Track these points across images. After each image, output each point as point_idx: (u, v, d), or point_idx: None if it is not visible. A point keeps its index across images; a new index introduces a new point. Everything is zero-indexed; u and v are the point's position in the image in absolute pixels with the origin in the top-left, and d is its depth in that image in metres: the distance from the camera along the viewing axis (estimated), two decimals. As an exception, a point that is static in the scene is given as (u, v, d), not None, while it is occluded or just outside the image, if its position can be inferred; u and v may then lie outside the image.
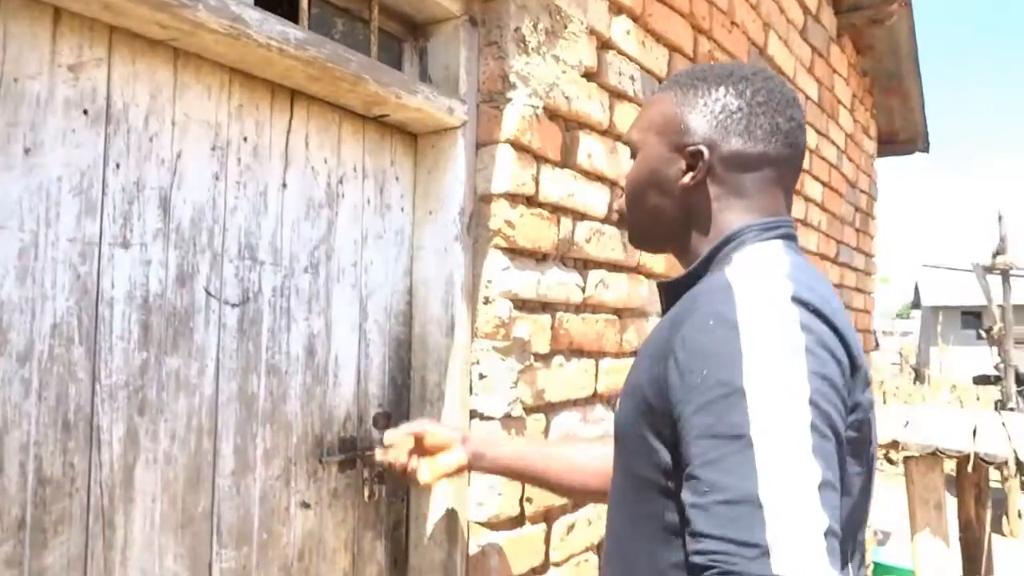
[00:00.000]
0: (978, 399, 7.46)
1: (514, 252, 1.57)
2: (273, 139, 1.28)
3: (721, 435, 0.64)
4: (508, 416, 1.55)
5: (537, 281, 1.62)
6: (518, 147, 1.55)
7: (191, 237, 1.15)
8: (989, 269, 6.20)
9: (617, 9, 1.85)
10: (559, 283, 1.69)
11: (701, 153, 0.86)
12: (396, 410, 1.54)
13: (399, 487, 1.53)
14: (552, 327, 1.68)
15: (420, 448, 1.29)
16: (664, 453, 0.77)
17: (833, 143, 3.53)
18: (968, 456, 2.56)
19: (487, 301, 1.55)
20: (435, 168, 1.55)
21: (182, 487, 1.14)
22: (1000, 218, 6.07)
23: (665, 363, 0.76)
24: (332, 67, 1.24)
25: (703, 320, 0.73)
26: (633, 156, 0.96)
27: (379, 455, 1.31)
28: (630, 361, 1.95)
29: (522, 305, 1.59)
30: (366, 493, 1.45)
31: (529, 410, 1.61)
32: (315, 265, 1.36)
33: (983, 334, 7.39)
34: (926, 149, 4.64)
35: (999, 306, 6.71)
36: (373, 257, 1.48)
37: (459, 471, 1.30)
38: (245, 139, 1.24)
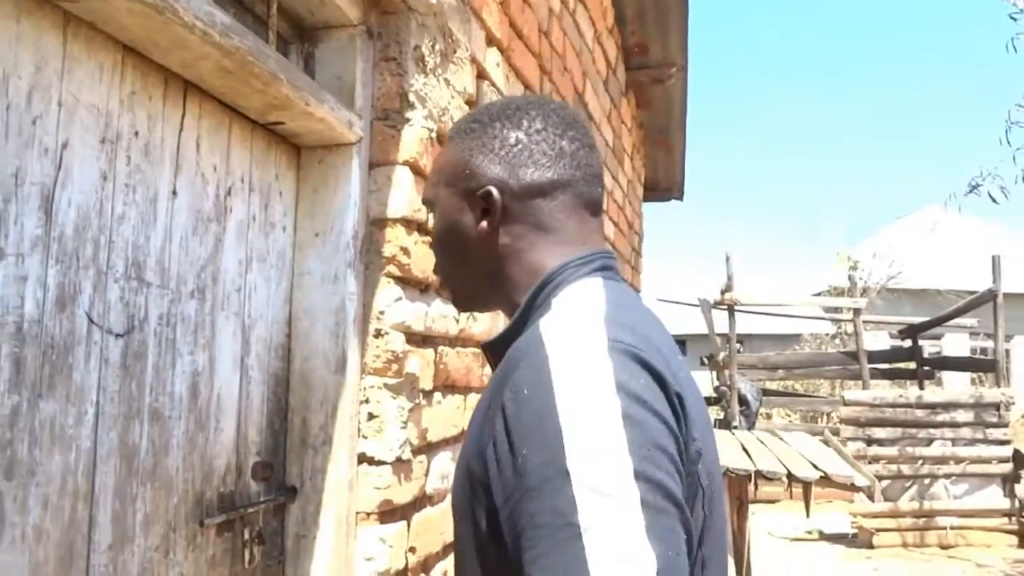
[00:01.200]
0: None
1: (406, 282, 1.47)
2: (165, 137, 1.07)
3: (547, 525, 0.59)
4: (399, 460, 1.42)
5: (424, 313, 1.53)
6: (415, 170, 1.46)
7: (74, 249, 0.91)
8: (717, 304, 7.07)
9: (490, 40, 1.83)
10: (441, 315, 1.61)
11: (490, 193, 0.81)
12: (274, 458, 1.34)
13: (278, 547, 1.33)
14: (435, 362, 1.58)
15: None
16: (488, 530, 0.69)
17: (621, 187, 3.81)
18: (750, 474, 2.85)
19: (378, 334, 1.42)
20: (323, 186, 1.40)
21: (52, 570, 0.88)
22: (728, 259, 6.96)
23: (485, 436, 0.69)
24: (252, 62, 1.07)
25: (519, 387, 0.66)
26: (430, 215, 0.92)
27: None
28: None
29: (411, 339, 1.48)
30: (246, 558, 1.24)
31: (415, 452, 1.49)
32: (202, 289, 1.15)
33: (706, 360, 8.38)
34: (680, 197, 5.20)
35: (719, 335, 7.67)
36: (256, 282, 1.29)
37: None
38: (136, 134, 1.02)
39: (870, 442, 6.38)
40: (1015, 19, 5.12)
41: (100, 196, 0.95)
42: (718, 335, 7.73)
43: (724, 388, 7.26)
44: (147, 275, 1.04)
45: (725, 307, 6.97)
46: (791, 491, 3.29)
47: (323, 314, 1.38)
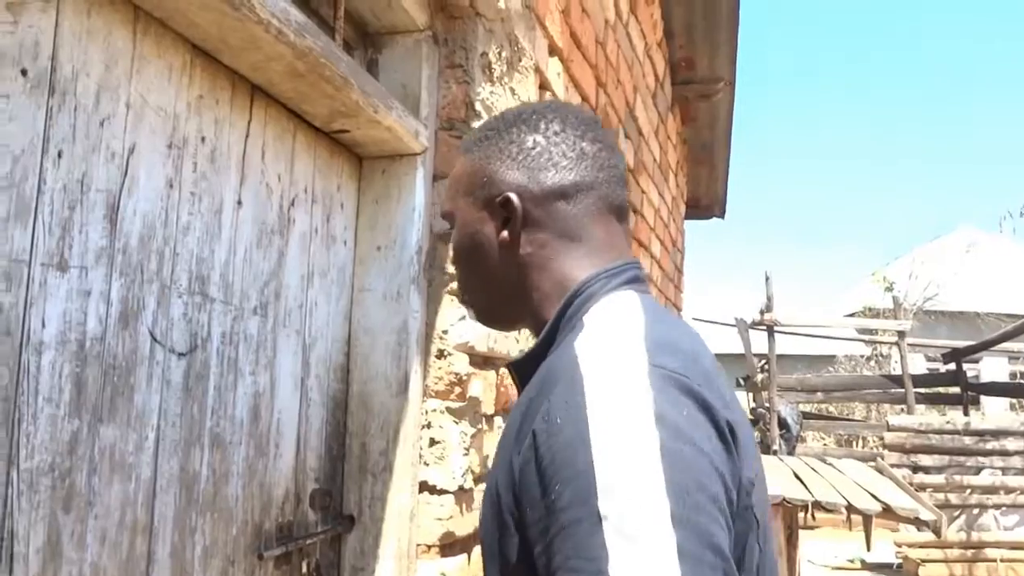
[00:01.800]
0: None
1: (469, 299, 1.39)
2: (232, 143, 1.01)
3: (579, 571, 0.55)
4: (461, 489, 1.34)
5: (487, 333, 1.45)
6: (481, 182, 1.39)
7: (139, 261, 0.85)
8: (756, 324, 6.90)
9: (552, 49, 1.76)
10: (504, 336, 1.53)
11: (510, 200, 0.76)
12: (332, 485, 1.26)
13: (333, 581, 1.25)
14: (496, 384, 1.50)
15: None
16: (520, 563, 0.64)
17: (666, 204, 3.72)
18: (807, 505, 2.72)
19: (441, 355, 1.34)
20: (385, 198, 1.33)
21: (109, 611, 0.81)
22: (768, 279, 6.80)
23: (516, 466, 0.64)
24: (324, 64, 1.01)
25: (552, 415, 0.61)
26: (451, 229, 0.86)
27: None
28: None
29: (473, 360, 1.40)
30: (304, 593, 1.16)
31: (476, 480, 1.41)
32: (264, 306, 1.08)
33: (742, 382, 8.19)
34: (722, 215, 5.09)
35: (756, 356, 7.51)
36: (317, 298, 1.22)
37: None
38: (203, 139, 0.95)
39: (915, 469, 6.16)
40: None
41: (166, 205, 0.89)
42: (754, 355, 7.56)
43: (762, 410, 7.08)
44: (211, 290, 0.97)
45: (764, 328, 6.80)
46: (850, 523, 3.14)
47: (384, 333, 1.30)
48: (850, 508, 2.70)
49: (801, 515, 3.46)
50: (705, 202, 4.90)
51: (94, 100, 0.79)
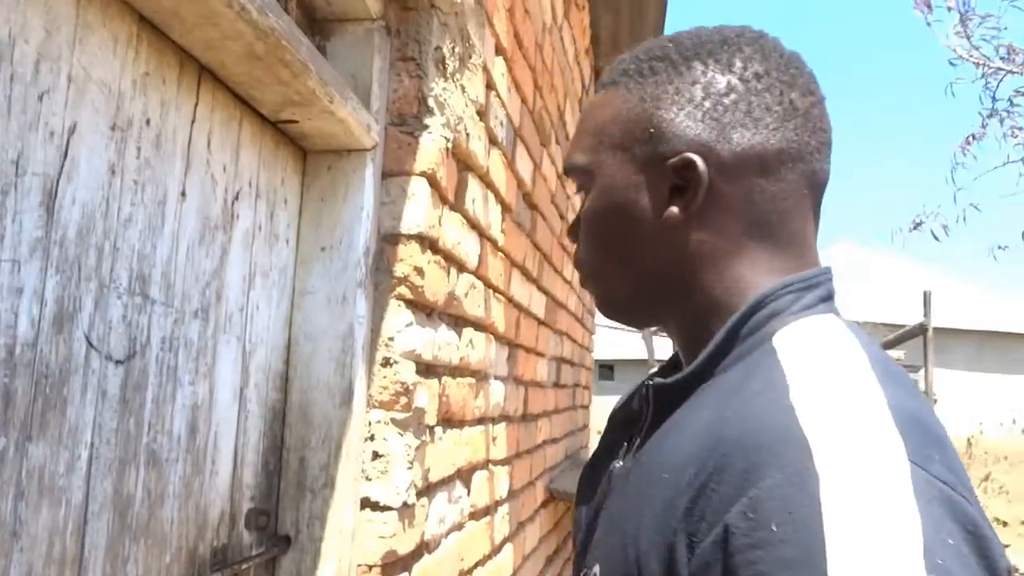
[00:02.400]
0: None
1: (417, 306, 1.32)
2: (177, 128, 0.91)
3: None
4: (404, 505, 1.27)
5: (433, 341, 1.39)
6: (432, 183, 1.33)
7: (77, 256, 0.75)
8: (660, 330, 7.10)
9: (498, 48, 1.72)
10: (447, 343, 1.47)
11: (692, 163, 0.58)
12: (268, 504, 1.17)
13: (267, 606, 1.15)
14: (439, 394, 1.44)
15: None
16: None
17: (584, 215, 3.74)
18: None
19: (387, 363, 1.27)
20: (331, 195, 1.25)
21: (33, 658, 0.70)
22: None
23: (679, 552, 0.49)
24: (285, 47, 0.92)
25: (764, 518, 0.44)
26: (581, 191, 0.67)
27: None
28: (481, 430, 1.77)
29: (418, 369, 1.34)
30: (239, 622, 1.06)
31: (418, 494, 1.34)
32: (206, 308, 0.99)
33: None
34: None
35: (660, 361, 7.74)
36: (259, 301, 1.13)
37: None
38: (148, 122, 0.85)
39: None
40: (954, 64, 5.35)
41: (107, 194, 0.79)
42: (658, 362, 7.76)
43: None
44: (151, 290, 0.87)
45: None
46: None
47: (328, 339, 1.22)
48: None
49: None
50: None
51: (32, 70, 0.68)
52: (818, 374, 0.51)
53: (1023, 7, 5.38)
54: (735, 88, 0.58)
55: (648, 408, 0.63)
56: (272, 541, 1.17)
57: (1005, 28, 5.29)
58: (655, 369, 0.75)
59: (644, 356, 7.62)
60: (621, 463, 0.66)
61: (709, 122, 0.58)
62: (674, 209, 0.59)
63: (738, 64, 0.59)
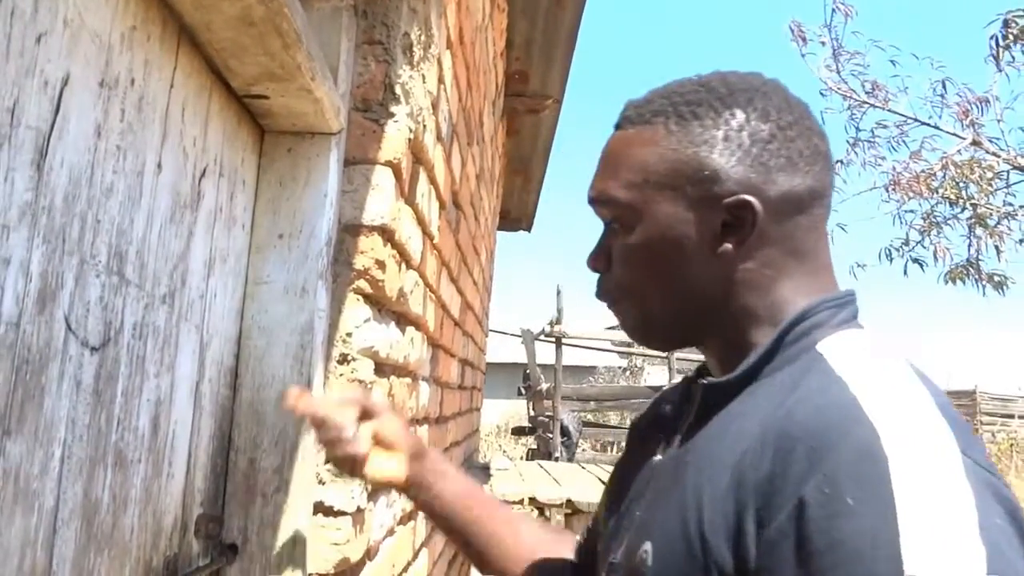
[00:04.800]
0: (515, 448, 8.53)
1: (374, 301, 1.26)
2: (158, 93, 0.82)
3: None
4: (359, 510, 1.21)
5: (388, 339, 1.33)
6: (397, 174, 1.27)
7: (62, 226, 0.65)
8: (548, 336, 7.19)
9: (448, 42, 1.68)
10: (396, 341, 1.41)
11: (749, 205, 0.64)
12: (216, 509, 1.08)
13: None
14: (389, 394, 1.38)
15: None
16: None
17: (486, 213, 3.74)
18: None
19: (344, 360, 1.20)
20: (291, 180, 1.17)
21: None
22: (559, 293, 7.11)
23: (748, 524, 0.54)
24: (285, 15, 0.85)
25: (839, 491, 0.49)
26: (616, 223, 0.71)
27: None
28: (417, 431, 1.71)
29: (376, 367, 1.28)
30: (189, 640, 0.97)
31: (369, 498, 1.28)
32: (172, 293, 0.90)
33: (523, 391, 8.48)
34: (529, 228, 5.23)
35: (539, 366, 7.82)
36: (217, 288, 1.04)
37: (388, 486, 0.96)
38: (132, 82, 0.76)
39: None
40: (824, 95, 5.77)
41: (92, 158, 0.69)
42: (539, 366, 7.88)
43: (543, 419, 7.38)
44: (127, 270, 0.78)
45: (553, 339, 7.11)
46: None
47: (285, 333, 1.14)
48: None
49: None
50: (515, 215, 5.01)
51: (32, 7, 0.59)
52: (870, 374, 0.57)
53: (885, 48, 5.88)
54: (775, 136, 0.65)
55: (693, 406, 0.70)
56: (219, 550, 1.07)
57: (868, 65, 5.78)
58: (677, 381, 0.83)
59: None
60: (661, 456, 0.73)
61: (757, 166, 0.65)
62: (728, 245, 0.65)
63: (773, 113, 0.66)
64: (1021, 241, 5.10)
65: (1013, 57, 4.37)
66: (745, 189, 0.64)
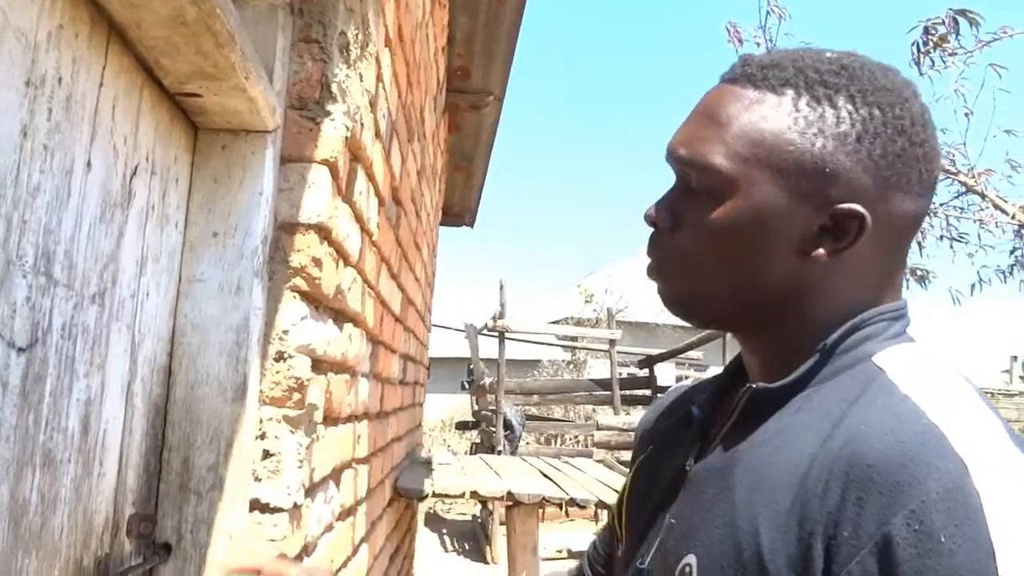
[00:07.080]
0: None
1: (311, 299, 1.27)
2: (86, 92, 0.82)
3: None
4: (295, 506, 1.22)
5: (325, 336, 1.34)
6: (333, 173, 1.28)
7: (-13, 228, 0.65)
8: (491, 330, 7.22)
9: (387, 40, 1.69)
10: (334, 338, 1.42)
11: (860, 216, 0.59)
12: (146, 507, 1.07)
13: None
14: (326, 391, 1.39)
15: None
16: None
17: (428, 209, 3.74)
18: (563, 502, 2.90)
19: (281, 357, 1.21)
20: (226, 177, 1.17)
21: None
22: (502, 287, 7.14)
23: (816, 549, 0.51)
24: (218, 16, 0.85)
25: (932, 529, 0.47)
26: (702, 190, 0.63)
27: None
28: (351, 428, 1.72)
29: (313, 364, 1.28)
30: (122, 639, 0.96)
31: (307, 494, 1.29)
32: (102, 293, 0.89)
33: (467, 385, 8.50)
34: (472, 224, 5.24)
35: (483, 360, 7.85)
36: (149, 287, 1.03)
37: None
38: (60, 81, 0.76)
39: (621, 463, 6.88)
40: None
41: (18, 158, 0.69)
42: (482, 360, 7.90)
43: (487, 413, 7.41)
44: (55, 270, 0.77)
45: (497, 333, 7.14)
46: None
47: (219, 331, 1.14)
48: (599, 504, 2.92)
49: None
50: (457, 210, 5.02)
51: (-46, 9, 0.59)
52: (939, 395, 0.55)
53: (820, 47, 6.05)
54: (905, 152, 0.60)
55: (732, 410, 0.65)
56: (151, 549, 1.07)
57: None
58: (703, 378, 0.77)
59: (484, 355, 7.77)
60: (695, 463, 0.68)
61: (879, 180, 0.59)
62: (821, 250, 0.60)
63: (909, 126, 0.60)
64: (941, 238, 5.35)
65: (932, 62, 4.57)
66: (860, 200, 0.59)
